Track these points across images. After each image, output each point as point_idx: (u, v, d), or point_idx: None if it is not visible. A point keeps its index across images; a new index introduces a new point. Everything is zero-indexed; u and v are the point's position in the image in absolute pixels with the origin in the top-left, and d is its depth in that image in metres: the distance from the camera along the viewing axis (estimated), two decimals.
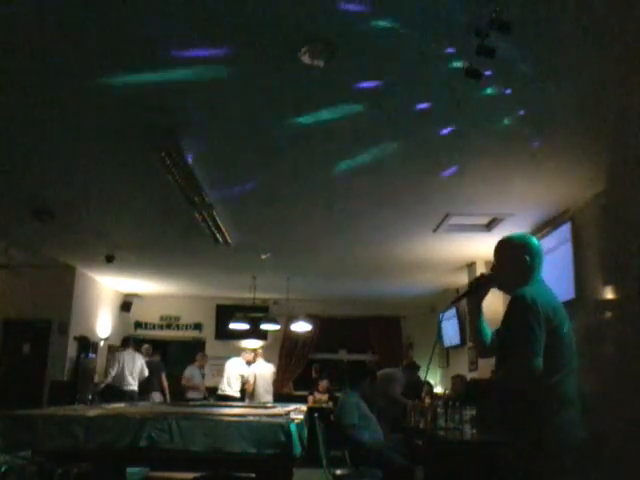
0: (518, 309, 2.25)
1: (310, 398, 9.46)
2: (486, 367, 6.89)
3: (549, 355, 2.17)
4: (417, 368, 7.68)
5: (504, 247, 2.47)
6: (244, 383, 9.42)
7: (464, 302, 2.58)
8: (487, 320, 2.52)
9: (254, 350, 10.24)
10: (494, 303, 2.74)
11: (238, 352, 10.00)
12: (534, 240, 2.48)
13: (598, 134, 3.87)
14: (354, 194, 5.21)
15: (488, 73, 2.95)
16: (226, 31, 2.84)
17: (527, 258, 2.37)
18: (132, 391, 8.41)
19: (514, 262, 2.39)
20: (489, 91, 3.26)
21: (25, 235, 6.87)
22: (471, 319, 2.54)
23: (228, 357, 9.69)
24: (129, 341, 8.86)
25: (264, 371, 9.47)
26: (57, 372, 8.55)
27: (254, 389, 9.24)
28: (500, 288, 2.48)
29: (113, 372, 8.31)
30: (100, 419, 3.86)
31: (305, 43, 2.89)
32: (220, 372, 9.68)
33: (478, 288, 2.49)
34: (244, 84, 3.35)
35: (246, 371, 9.50)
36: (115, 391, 8.15)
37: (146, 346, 9.43)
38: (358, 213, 5.76)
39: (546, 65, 3.06)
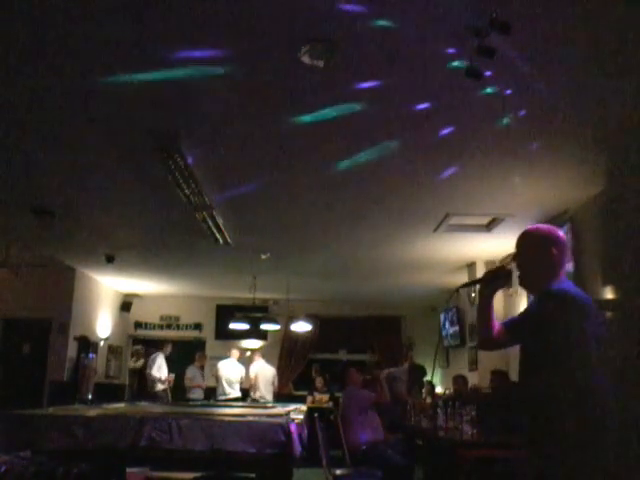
0: (566, 307, 2.02)
1: (309, 398, 9.42)
2: (486, 367, 6.88)
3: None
4: (424, 373, 7.70)
5: (530, 238, 2.23)
6: (241, 382, 9.50)
7: (463, 299, 2.52)
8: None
9: (253, 350, 10.24)
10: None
11: (238, 353, 9.96)
12: (561, 232, 2.27)
13: (598, 134, 3.87)
14: (354, 194, 5.21)
15: (488, 73, 2.95)
16: (226, 31, 2.85)
17: (554, 251, 2.16)
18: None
19: (541, 255, 2.17)
20: (489, 91, 3.26)
21: (25, 235, 6.86)
22: (480, 309, 2.29)
23: (228, 357, 9.67)
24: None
25: (266, 371, 9.64)
26: (57, 372, 8.54)
27: (255, 385, 9.40)
28: (522, 283, 2.24)
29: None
30: (100, 419, 3.87)
31: (305, 43, 2.89)
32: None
33: (496, 279, 2.26)
34: (244, 84, 3.35)
35: (243, 371, 9.57)
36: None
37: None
38: (358, 213, 5.76)
39: (545, 65, 3.06)
